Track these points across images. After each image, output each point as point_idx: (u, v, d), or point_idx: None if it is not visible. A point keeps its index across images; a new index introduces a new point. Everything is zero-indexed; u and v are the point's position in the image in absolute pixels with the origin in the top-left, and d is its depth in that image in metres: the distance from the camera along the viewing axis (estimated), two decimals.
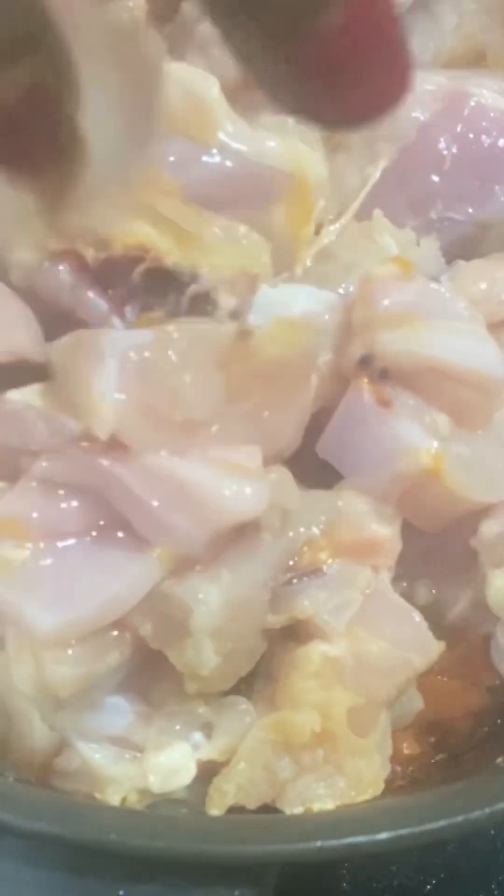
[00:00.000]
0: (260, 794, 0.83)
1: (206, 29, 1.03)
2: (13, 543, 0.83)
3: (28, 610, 0.80)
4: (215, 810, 0.83)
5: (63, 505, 0.84)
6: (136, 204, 0.86)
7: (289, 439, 0.90)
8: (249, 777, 0.83)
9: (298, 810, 0.83)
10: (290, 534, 0.87)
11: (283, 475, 0.87)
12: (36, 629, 0.80)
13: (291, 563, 0.87)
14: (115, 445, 0.82)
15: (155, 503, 0.80)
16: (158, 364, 0.82)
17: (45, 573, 0.82)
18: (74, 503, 0.84)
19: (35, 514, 0.84)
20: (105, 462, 0.81)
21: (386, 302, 0.92)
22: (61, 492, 0.84)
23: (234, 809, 0.83)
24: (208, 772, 0.85)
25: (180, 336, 0.82)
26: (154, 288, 0.84)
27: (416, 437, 0.89)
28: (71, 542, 0.84)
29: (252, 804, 0.83)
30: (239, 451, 0.84)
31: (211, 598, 0.82)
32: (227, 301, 0.88)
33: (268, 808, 0.84)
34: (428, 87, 1.06)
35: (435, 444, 0.88)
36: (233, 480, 0.81)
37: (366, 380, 0.90)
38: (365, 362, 0.90)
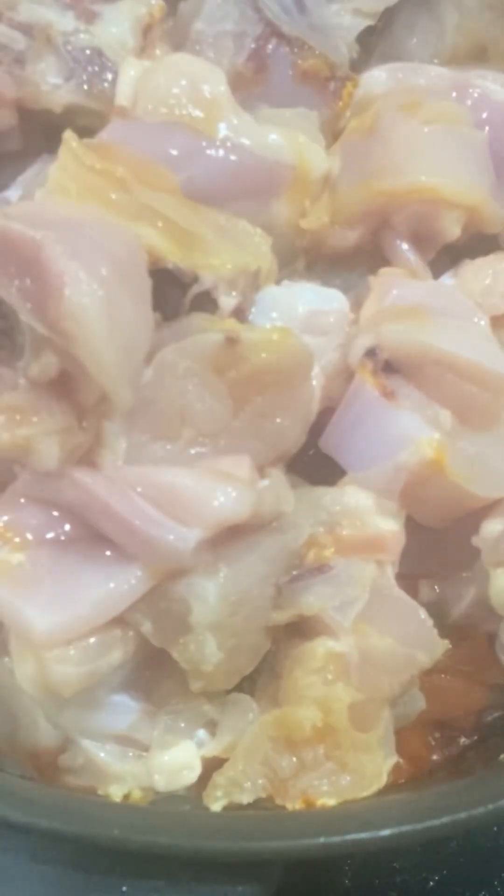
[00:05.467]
0: (255, 789, 0.83)
1: (201, 27, 1.03)
2: (9, 548, 0.83)
3: (27, 611, 0.80)
4: (211, 804, 0.83)
5: (55, 512, 0.85)
6: (137, 205, 0.86)
7: (293, 440, 0.90)
8: (244, 771, 0.83)
9: (300, 807, 0.83)
10: (292, 531, 0.87)
11: (276, 480, 0.86)
12: (34, 630, 0.80)
13: (296, 560, 0.87)
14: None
15: (137, 522, 0.81)
16: (163, 393, 0.83)
17: (41, 576, 0.82)
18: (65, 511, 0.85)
19: (33, 521, 0.85)
20: (78, 474, 0.82)
21: (394, 292, 0.93)
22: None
23: (238, 806, 0.83)
24: (212, 769, 0.85)
25: (174, 357, 0.83)
26: (154, 289, 0.84)
27: (417, 427, 0.88)
28: (64, 544, 0.84)
29: (245, 798, 0.83)
30: (227, 459, 0.84)
31: (209, 593, 0.82)
32: (227, 300, 0.87)
33: (270, 805, 0.84)
34: (431, 79, 1.05)
35: (437, 435, 0.88)
36: (218, 487, 0.82)
37: (369, 372, 0.90)
38: (370, 354, 0.90)
